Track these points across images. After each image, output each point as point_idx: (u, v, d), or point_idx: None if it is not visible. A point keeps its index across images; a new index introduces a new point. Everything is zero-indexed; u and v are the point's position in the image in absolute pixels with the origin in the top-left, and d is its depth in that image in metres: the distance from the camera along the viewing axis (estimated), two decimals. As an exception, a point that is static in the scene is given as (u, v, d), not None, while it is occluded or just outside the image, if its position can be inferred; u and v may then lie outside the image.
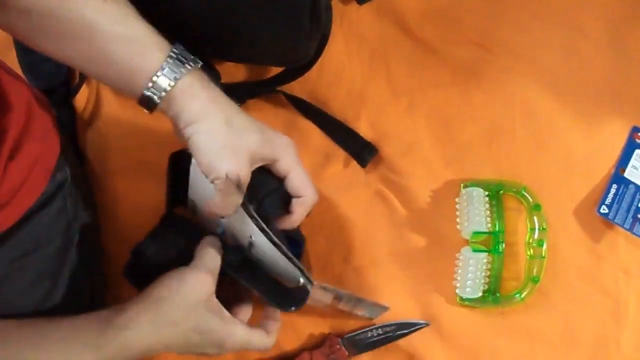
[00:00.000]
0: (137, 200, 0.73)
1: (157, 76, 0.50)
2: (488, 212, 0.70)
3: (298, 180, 0.57)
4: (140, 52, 0.50)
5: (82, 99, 0.76)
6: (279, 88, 0.75)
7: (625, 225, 0.69)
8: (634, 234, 0.69)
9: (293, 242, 0.66)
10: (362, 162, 0.73)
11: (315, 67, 0.73)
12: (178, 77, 0.50)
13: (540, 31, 0.76)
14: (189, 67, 0.51)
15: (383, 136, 0.74)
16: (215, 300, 0.55)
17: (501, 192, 0.71)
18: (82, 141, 0.76)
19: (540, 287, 0.68)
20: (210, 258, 0.55)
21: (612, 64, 0.74)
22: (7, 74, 0.57)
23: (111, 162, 0.75)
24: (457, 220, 0.71)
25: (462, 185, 0.71)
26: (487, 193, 0.70)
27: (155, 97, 0.51)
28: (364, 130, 0.74)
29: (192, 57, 0.52)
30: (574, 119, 0.73)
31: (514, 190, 0.71)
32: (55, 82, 0.73)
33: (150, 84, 0.50)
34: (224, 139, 0.52)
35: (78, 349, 0.50)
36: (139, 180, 0.73)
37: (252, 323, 0.60)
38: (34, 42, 0.51)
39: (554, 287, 0.69)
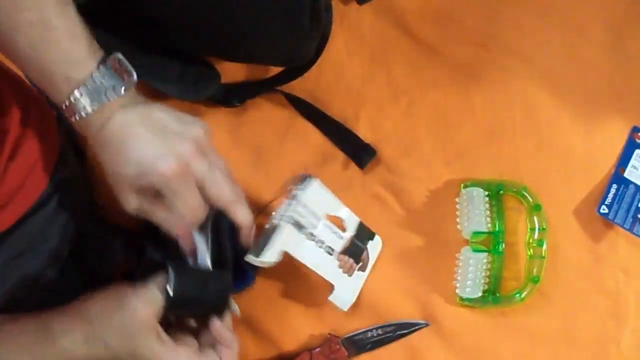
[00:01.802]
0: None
1: (69, 104, 0.49)
2: (488, 212, 0.70)
3: (182, 205, 0.53)
4: (51, 84, 0.49)
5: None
6: (278, 88, 0.75)
7: (625, 225, 0.69)
8: (634, 234, 0.69)
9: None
10: (361, 164, 0.73)
11: (315, 67, 0.73)
12: (87, 113, 0.49)
13: (540, 31, 0.76)
14: (101, 102, 0.49)
15: (382, 136, 0.74)
16: (156, 326, 0.51)
17: (501, 192, 0.71)
18: (82, 141, 0.76)
19: (540, 287, 0.68)
20: (156, 289, 0.52)
21: (612, 64, 0.74)
22: (6, 75, 0.57)
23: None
24: (457, 220, 0.71)
25: (462, 185, 0.71)
26: (487, 193, 0.70)
27: (70, 117, 0.51)
28: (364, 130, 0.74)
29: (111, 85, 0.50)
30: (574, 119, 0.73)
31: (514, 190, 0.71)
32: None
33: (64, 107, 0.50)
34: (112, 177, 0.52)
35: (15, 351, 0.49)
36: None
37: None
38: None
39: (554, 287, 0.69)
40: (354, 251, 0.69)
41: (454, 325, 0.69)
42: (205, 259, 0.57)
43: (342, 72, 0.76)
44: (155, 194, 0.52)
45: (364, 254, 0.70)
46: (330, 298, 0.68)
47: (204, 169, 0.52)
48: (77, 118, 0.50)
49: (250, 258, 0.61)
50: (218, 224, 0.59)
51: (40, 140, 0.58)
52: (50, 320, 0.50)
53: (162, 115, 0.52)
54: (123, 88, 0.50)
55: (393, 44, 0.76)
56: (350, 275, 0.69)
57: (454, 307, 0.70)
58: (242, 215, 0.55)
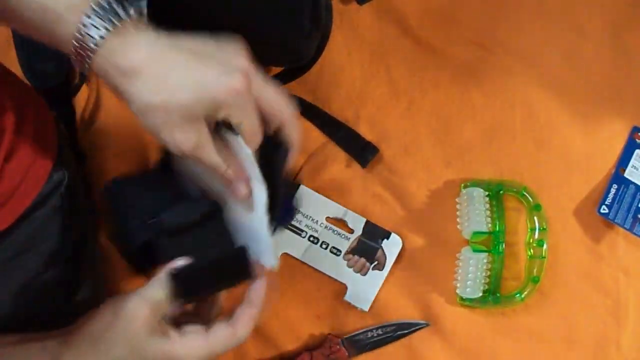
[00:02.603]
0: (137, 200, 0.73)
1: (78, 40, 0.43)
2: (488, 212, 0.70)
3: (250, 127, 0.49)
4: (55, 19, 0.43)
5: (82, 99, 0.76)
6: (278, 88, 0.75)
7: (625, 225, 0.69)
8: (634, 234, 0.69)
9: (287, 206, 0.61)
10: (363, 163, 0.73)
11: (315, 67, 0.73)
12: (102, 37, 0.43)
13: (540, 31, 0.76)
14: (115, 22, 0.43)
15: (383, 137, 0.74)
16: (157, 324, 0.48)
17: (501, 192, 0.71)
18: (82, 141, 0.76)
19: (540, 287, 0.68)
20: (155, 287, 0.49)
21: (612, 64, 0.74)
22: (3, 74, 0.57)
23: (111, 162, 0.75)
24: (458, 220, 0.71)
25: (462, 185, 0.71)
26: (487, 193, 0.70)
27: (84, 62, 0.44)
28: (364, 130, 0.74)
29: (119, 9, 0.44)
30: (574, 119, 0.73)
31: (514, 190, 0.71)
32: (55, 82, 0.73)
33: (73, 48, 0.44)
34: (158, 110, 0.45)
35: None
36: (139, 180, 0.73)
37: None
38: None
39: (554, 287, 0.69)
40: (365, 250, 0.70)
41: (454, 325, 0.69)
42: (262, 205, 0.52)
43: (342, 72, 0.76)
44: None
45: (379, 252, 0.70)
46: (346, 298, 0.69)
47: (262, 83, 0.48)
48: (94, 48, 0.43)
49: None
50: (271, 159, 0.53)
51: (38, 140, 0.58)
52: (59, 351, 0.48)
53: (194, 40, 0.46)
54: (133, 8, 0.44)
55: (393, 44, 0.76)
56: (364, 275, 0.69)
57: (454, 307, 0.70)
58: (297, 133, 0.51)
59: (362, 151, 0.73)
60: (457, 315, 0.69)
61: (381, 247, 0.70)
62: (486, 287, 0.69)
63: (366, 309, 0.69)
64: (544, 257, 0.68)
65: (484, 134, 0.73)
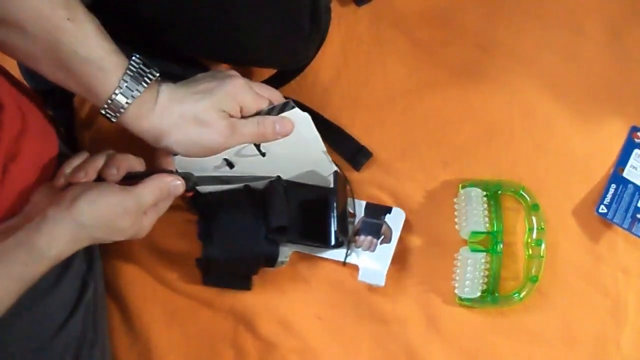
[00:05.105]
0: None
1: (112, 98, 0.53)
2: (486, 212, 0.70)
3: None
4: (96, 74, 0.52)
5: (81, 99, 0.76)
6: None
7: (624, 225, 0.69)
8: (633, 233, 0.69)
9: None
10: (356, 166, 0.73)
11: (311, 69, 0.73)
12: (134, 97, 0.53)
13: (539, 31, 0.76)
14: (145, 84, 0.54)
15: (379, 139, 0.74)
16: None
17: (499, 192, 0.71)
18: (82, 141, 0.76)
19: (539, 286, 0.68)
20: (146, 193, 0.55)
21: (611, 64, 0.74)
22: (3, 75, 0.57)
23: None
24: (456, 220, 0.71)
25: (460, 185, 0.71)
26: (485, 193, 0.70)
27: (112, 116, 0.54)
28: (359, 132, 0.74)
29: (148, 71, 0.54)
30: (573, 119, 0.73)
31: (513, 190, 0.71)
32: (55, 83, 0.73)
33: (106, 105, 0.53)
34: (199, 143, 0.56)
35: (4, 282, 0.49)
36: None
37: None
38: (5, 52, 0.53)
39: (552, 287, 0.69)
40: (370, 229, 0.71)
41: (453, 325, 0.69)
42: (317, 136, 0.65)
43: (338, 74, 0.76)
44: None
45: (384, 227, 0.71)
46: (360, 278, 0.69)
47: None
48: (127, 104, 0.53)
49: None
50: None
51: (39, 140, 0.58)
52: (31, 239, 0.50)
53: (187, 81, 0.58)
54: (157, 72, 0.55)
55: (390, 46, 0.77)
56: (373, 251, 0.70)
57: (453, 307, 0.70)
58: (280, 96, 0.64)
59: (355, 154, 0.73)
60: (456, 315, 0.69)
61: (385, 221, 0.71)
62: (485, 287, 0.69)
63: (382, 283, 0.69)
64: (543, 257, 0.68)
65: (482, 135, 0.73)
